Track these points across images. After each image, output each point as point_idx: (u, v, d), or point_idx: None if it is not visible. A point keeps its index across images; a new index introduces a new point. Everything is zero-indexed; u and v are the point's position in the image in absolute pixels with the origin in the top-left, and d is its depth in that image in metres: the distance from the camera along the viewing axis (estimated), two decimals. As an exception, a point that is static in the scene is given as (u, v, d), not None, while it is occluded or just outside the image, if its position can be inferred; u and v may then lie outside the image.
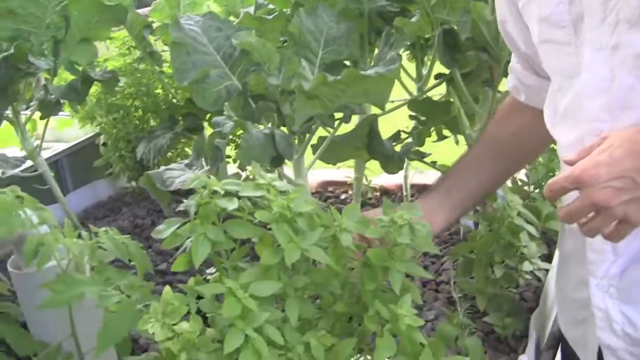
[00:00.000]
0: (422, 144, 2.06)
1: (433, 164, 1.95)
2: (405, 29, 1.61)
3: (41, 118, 2.24)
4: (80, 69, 2.25)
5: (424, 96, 2.02)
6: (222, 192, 1.12)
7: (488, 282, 1.52)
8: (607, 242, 0.98)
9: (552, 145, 1.65)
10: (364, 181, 2.24)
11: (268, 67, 1.52)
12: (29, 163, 2.33)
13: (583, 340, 1.18)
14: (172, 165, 1.65)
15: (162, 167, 1.64)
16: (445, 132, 2.05)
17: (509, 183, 1.82)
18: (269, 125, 1.59)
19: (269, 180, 1.14)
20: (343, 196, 2.41)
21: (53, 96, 2.16)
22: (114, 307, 1.23)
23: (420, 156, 1.91)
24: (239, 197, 1.15)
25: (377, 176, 2.37)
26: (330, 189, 2.50)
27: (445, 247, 1.93)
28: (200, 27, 1.72)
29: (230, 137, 2.18)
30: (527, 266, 1.52)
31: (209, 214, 1.13)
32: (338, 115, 1.69)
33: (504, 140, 1.31)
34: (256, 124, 1.52)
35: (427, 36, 1.97)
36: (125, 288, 1.28)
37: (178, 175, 1.58)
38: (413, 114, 2.02)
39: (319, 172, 2.56)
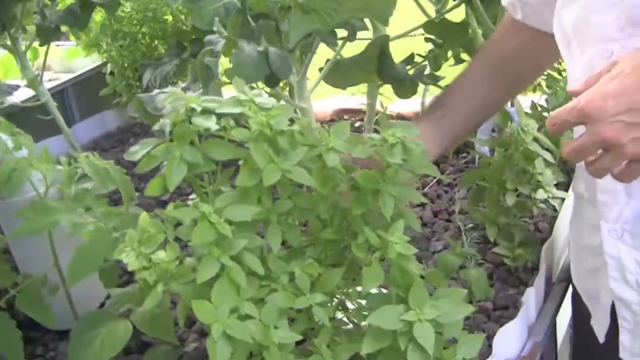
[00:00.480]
0: (438, 67, 1.94)
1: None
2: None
3: (40, 45, 2.15)
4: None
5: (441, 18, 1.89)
6: (200, 110, 1.03)
7: (500, 211, 1.42)
8: (619, 182, 0.88)
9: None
10: (380, 108, 2.12)
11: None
12: (31, 93, 2.25)
13: (595, 292, 1.08)
14: (167, 89, 1.56)
15: (156, 91, 1.55)
16: (463, 55, 1.92)
17: (527, 109, 1.69)
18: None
19: (251, 96, 1.04)
20: (358, 124, 2.30)
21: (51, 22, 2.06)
22: (87, 235, 1.16)
23: (435, 80, 1.79)
24: (220, 116, 1.06)
25: (393, 102, 2.25)
26: (345, 117, 2.39)
27: (459, 176, 1.82)
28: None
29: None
30: (541, 194, 1.41)
31: (186, 134, 1.04)
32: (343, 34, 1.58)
33: (499, 61, 1.21)
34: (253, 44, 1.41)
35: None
36: (101, 216, 1.21)
37: (171, 98, 1.48)
38: (429, 36, 1.90)
39: (334, 100, 2.45)
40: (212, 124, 1.01)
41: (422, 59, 1.90)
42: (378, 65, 1.73)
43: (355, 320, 1.04)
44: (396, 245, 0.96)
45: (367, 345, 0.94)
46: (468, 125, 1.24)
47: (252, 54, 1.31)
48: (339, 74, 1.79)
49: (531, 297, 1.16)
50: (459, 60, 1.92)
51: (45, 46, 2.15)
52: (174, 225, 1.04)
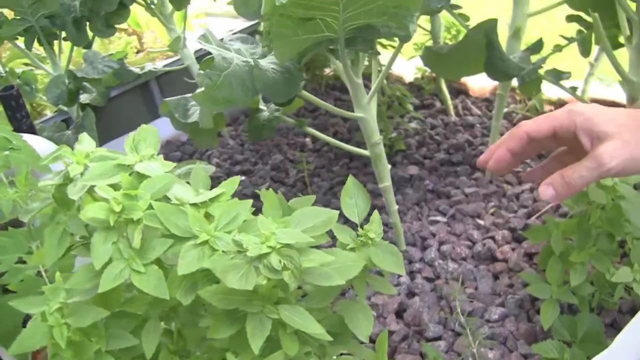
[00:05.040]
0: (588, 53, 1.51)
1: (573, 90, 1.41)
2: None
3: (177, 9, 2.05)
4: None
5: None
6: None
7: (562, 286, 1.04)
8: None
9: None
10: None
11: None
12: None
13: None
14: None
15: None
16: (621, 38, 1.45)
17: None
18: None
19: (141, 157, 0.83)
20: (514, 106, 1.91)
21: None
22: (13, 285, 1.05)
23: (557, 77, 1.38)
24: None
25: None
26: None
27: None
28: None
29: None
30: (624, 275, 1.00)
31: (68, 200, 0.86)
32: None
33: None
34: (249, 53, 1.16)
35: None
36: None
37: (206, 102, 1.28)
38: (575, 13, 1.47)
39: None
40: (77, 194, 0.82)
41: (566, 43, 1.48)
42: (486, 57, 1.36)
43: None
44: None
45: None
46: None
47: (239, 70, 1.06)
48: (443, 64, 1.46)
49: None
50: (615, 45, 1.46)
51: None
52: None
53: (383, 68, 1.31)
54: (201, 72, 1.09)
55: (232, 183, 0.85)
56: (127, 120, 2.17)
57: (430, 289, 1.28)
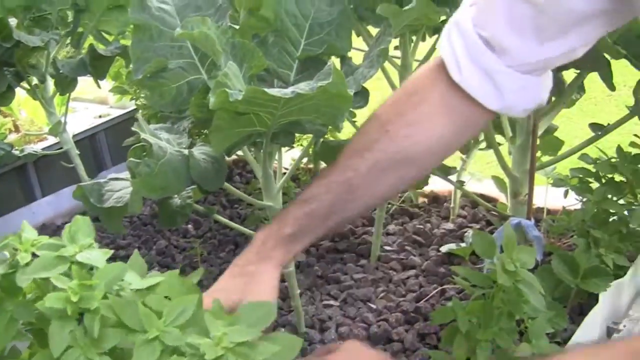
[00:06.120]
0: (467, 150, 1.67)
1: (460, 184, 1.56)
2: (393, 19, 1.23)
3: (61, 94, 2.06)
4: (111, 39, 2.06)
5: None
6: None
7: (469, 366, 1.15)
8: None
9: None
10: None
11: (207, 65, 1.21)
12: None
13: None
14: (122, 174, 1.38)
15: (110, 175, 1.38)
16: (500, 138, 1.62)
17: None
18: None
19: (80, 247, 0.84)
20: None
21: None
22: None
23: (445, 172, 1.52)
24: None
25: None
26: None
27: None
28: (176, 5, 1.41)
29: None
30: (524, 349, 1.12)
31: (14, 287, 0.87)
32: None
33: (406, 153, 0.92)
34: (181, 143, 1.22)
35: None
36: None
37: (120, 187, 1.31)
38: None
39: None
40: (25, 283, 0.83)
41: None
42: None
43: None
44: None
45: None
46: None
47: (174, 159, 1.11)
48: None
49: None
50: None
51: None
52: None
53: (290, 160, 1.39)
54: (133, 160, 1.13)
55: (172, 274, 0.89)
56: (2, 202, 2.12)
57: (335, 370, 1.34)
